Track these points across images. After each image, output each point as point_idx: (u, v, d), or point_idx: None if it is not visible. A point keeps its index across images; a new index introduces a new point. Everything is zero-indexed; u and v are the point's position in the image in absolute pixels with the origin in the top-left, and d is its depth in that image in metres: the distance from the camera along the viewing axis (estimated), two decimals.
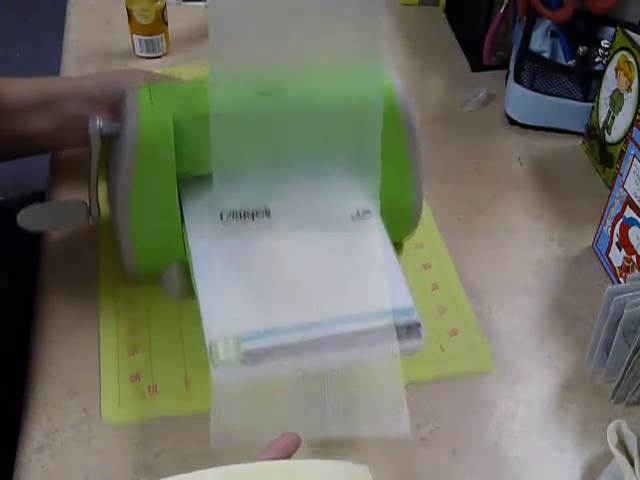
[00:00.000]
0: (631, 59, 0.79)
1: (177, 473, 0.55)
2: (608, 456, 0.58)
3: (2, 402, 0.71)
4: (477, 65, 1.02)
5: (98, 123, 0.65)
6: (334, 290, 0.60)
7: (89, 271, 0.73)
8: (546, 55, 0.91)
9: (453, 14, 1.12)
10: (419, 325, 0.58)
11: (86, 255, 0.75)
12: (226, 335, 0.55)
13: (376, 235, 0.63)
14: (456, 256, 0.77)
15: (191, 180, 0.66)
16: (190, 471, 0.56)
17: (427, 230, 0.79)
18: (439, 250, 0.78)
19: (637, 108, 0.78)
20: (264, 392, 0.57)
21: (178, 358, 0.66)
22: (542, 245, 0.79)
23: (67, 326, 0.69)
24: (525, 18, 0.89)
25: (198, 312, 0.59)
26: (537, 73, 0.90)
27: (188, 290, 0.66)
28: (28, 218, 0.72)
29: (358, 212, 0.64)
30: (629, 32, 0.79)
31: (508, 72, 0.94)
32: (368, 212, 0.64)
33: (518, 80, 0.91)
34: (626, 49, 0.79)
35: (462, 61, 1.04)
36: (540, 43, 0.91)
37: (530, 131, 0.93)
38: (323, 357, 0.56)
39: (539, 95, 0.91)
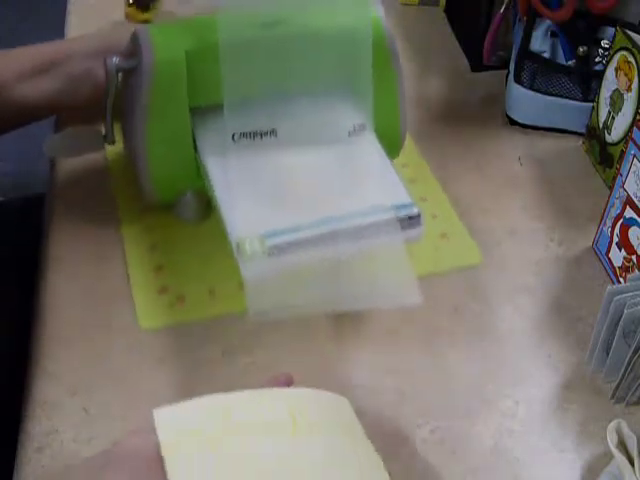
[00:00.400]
0: (631, 59, 0.79)
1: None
2: (608, 456, 0.58)
3: (2, 402, 0.71)
4: (477, 65, 1.02)
5: (114, 60, 0.70)
6: (340, 193, 0.67)
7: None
8: (546, 55, 0.91)
9: (453, 14, 1.12)
10: (419, 215, 0.66)
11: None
12: (250, 234, 0.63)
13: (371, 146, 0.72)
14: None
15: (202, 111, 0.71)
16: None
17: (410, 152, 0.87)
18: (422, 168, 0.86)
19: (637, 108, 0.78)
20: (288, 280, 0.64)
21: (200, 272, 0.73)
22: (542, 245, 0.79)
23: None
24: (525, 18, 0.89)
25: (215, 231, 0.66)
26: (537, 73, 0.90)
27: (202, 214, 0.77)
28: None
29: (354, 127, 0.71)
30: (629, 32, 0.79)
31: (508, 72, 0.94)
32: (363, 127, 0.72)
33: (518, 80, 0.91)
34: (626, 49, 0.79)
35: (462, 61, 1.04)
36: (540, 43, 0.91)
37: (530, 131, 0.93)
38: (337, 247, 0.64)
39: (539, 95, 0.91)
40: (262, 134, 0.69)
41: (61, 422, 0.61)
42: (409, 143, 0.88)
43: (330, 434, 0.50)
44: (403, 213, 0.66)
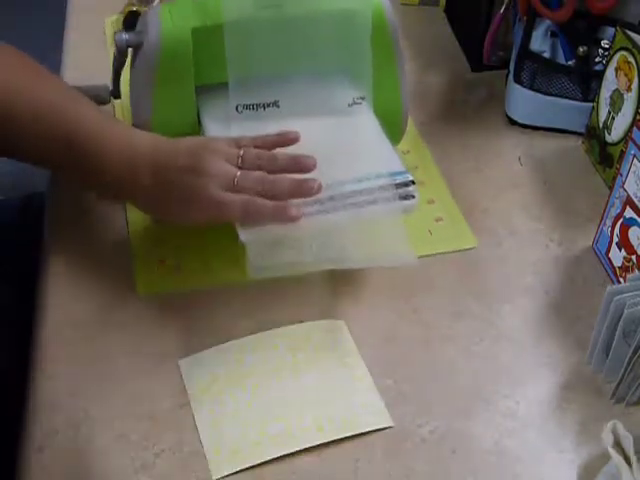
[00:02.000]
0: (631, 59, 0.79)
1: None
2: (607, 456, 0.58)
3: (3, 402, 0.71)
4: (477, 65, 1.02)
5: (124, 35, 0.72)
6: (338, 160, 0.69)
7: None
8: (546, 55, 0.91)
9: (453, 14, 1.12)
10: (413, 182, 0.68)
11: None
12: None
13: (369, 117, 0.75)
14: None
15: (207, 88, 0.73)
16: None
17: (412, 139, 0.89)
18: (424, 155, 0.88)
19: (637, 108, 0.78)
20: (287, 240, 0.67)
21: (198, 247, 0.76)
22: (542, 245, 0.79)
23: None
24: (525, 18, 0.89)
25: None
26: (537, 73, 0.90)
27: None
28: None
29: (354, 99, 0.75)
30: (629, 32, 0.79)
31: (508, 72, 0.94)
32: (362, 98, 0.75)
33: (518, 80, 0.91)
34: (626, 49, 0.79)
35: (462, 61, 1.04)
36: (540, 43, 0.91)
37: (530, 131, 0.93)
38: (334, 213, 0.66)
39: (539, 95, 0.91)
40: (265, 105, 0.72)
41: (61, 422, 0.61)
42: (412, 130, 0.89)
43: (325, 365, 0.65)
44: (397, 179, 0.68)
